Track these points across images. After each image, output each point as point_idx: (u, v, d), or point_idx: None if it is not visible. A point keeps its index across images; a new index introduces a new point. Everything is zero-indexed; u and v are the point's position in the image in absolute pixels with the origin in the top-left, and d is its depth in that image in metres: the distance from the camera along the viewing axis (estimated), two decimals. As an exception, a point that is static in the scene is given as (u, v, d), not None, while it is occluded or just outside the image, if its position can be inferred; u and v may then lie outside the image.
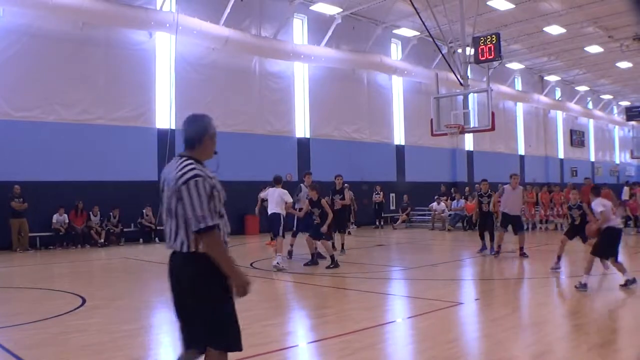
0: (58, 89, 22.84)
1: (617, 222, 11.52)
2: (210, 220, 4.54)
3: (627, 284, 11.23)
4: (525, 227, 28.40)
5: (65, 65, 23.05)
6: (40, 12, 21.95)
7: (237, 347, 4.83)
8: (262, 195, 17.54)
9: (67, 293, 11.61)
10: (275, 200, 15.50)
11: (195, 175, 4.62)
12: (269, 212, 15.72)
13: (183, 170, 4.61)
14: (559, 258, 13.92)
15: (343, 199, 17.87)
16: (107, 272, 16.48)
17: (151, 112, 25.50)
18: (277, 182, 15.87)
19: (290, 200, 15.69)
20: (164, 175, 4.80)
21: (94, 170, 23.26)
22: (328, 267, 14.91)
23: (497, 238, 17.18)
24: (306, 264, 15.56)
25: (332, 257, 15.14)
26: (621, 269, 11.49)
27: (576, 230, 13.92)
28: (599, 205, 11.35)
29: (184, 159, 4.76)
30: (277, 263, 14.82)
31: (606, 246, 11.45)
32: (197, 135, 4.90)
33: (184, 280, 4.71)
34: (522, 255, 16.82)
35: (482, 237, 17.76)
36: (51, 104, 22.68)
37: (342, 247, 17.96)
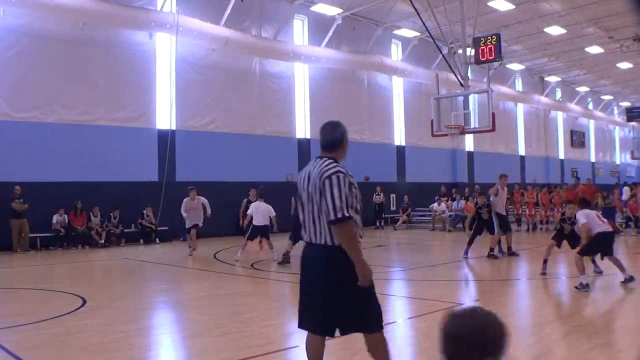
0: (58, 89, 22.83)
1: (604, 227, 11.60)
2: (346, 211, 4.96)
3: (625, 282, 11.42)
4: (527, 227, 28.57)
5: (66, 65, 23.05)
6: (41, 13, 21.96)
7: (382, 327, 5.33)
8: (248, 212, 17.71)
9: (68, 294, 11.61)
10: (262, 213, 17.07)
11: (338, 172, 5.13)
12: (257, 224, 17.04)
13: (327, 167, 5.16)
14: (545, 262, 13.86)
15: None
16: (108, 273, 16.49)
17: (151, 113, 25.49)
18: (261, 196, 17.52)
19: (274, 214, 17.27)
20: (304, 174, 5.39)
21: (95, 170, 23.26)
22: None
23: (506, 239, 17.25)
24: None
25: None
26: (619, 265, 11.75)
27: (564, 237, 13.88)
28: (582, 216, 11.54)
29: (325, 159, 5.32)
30: (278, 257, 16.43)
31: (593, 247, 11.71)
32: (338, 139, 5.51)
33: (325, 268, 5.12)
34: (512, 254, 16.95)
35: (471, 243, 17.54)
36: (51, 104, 22.68)
37: None
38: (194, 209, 19.09)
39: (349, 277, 5.00)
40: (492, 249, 16.90)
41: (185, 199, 19.18)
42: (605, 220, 12.19)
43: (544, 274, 13.51)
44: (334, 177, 5.04)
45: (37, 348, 7.57)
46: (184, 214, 18.95)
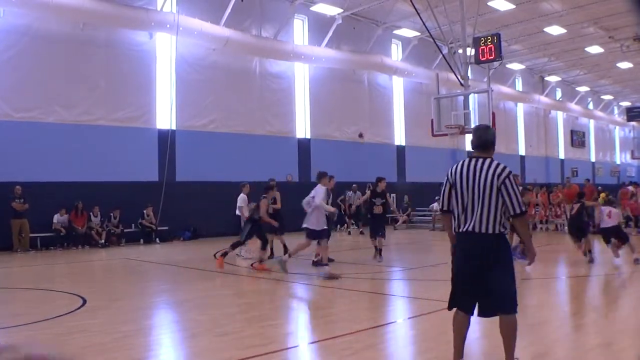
0: (58, 89, 22.83)
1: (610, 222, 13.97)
2: (523, 206, 5.87)
3: (637, 262, 13.56)
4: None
5: (66, 66, 23.06)
6: (41, 13, 21.95)
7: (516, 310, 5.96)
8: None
9: (68, 294, 11.61)
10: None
11: (510, 171, 5.91)
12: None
13: (501, 168, 5.89)
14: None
15: (384, 202, 16.93)
16: (108, 273, 16.50)
17: (152, 113, 25.50)
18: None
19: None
20: (464, 170, 6.00)
21: (95, 170, 23.26)
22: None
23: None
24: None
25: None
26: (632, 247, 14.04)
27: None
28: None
29: (488, 159, 6.00)
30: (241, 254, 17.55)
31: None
32: (492, 140, 6.19)
33: (496, 255, 5.86)
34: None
35: None
36: (51, 104, 22.69)
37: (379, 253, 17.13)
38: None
39: (510, 260, 5.99)
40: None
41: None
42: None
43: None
44: (512, 177, 5.84)
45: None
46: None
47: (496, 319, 6.00)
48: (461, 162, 6.12)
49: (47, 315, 9.37)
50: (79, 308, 10.12)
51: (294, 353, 7.56)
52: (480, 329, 6.44)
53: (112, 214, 23.49)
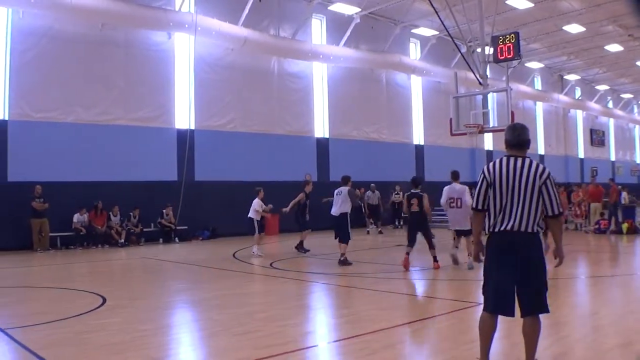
0: (77, 90, 22.97)
1: None
2: (561, 207, 5.99)
3: None
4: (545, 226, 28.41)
5: (85, 66, 23.20)
6: (60, 14, 22.08)
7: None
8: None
9: (88, 292, 11.68)
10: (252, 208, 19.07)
11: (550, 173, 6.00)
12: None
13: (542, 168, 5.97)
14: None
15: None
16: (127, 272, 16.57)
17: (170, 113, 25.61)
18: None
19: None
20: (503, 169, 6.00)
21: (114, 170, 23.39)
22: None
23: None
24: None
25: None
26: None
27: None
28: None
29: (527, 159, 6.02)
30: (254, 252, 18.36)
31: None
32: (528, 140, 6.14)
33: (533, 254, 5.93)
34: None
35: None
36: (71, 104, 22.82)
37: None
38: None
39: (544, 260, 6.04)
40: None
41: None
42: None
43: None
44: (551, 178, 5.95)
45: (57, 346, 7.61)
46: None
47: (519, 319, 5.97)
48: (498, 160, 6.09)
49: (67, 314, 9.42)
50: (98, 307, 10.17)
51: (312, 353, 7.56)
52: (500, 329, 6.40)
53: (131, 214, 23.61)
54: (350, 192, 16.41)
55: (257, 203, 19.08)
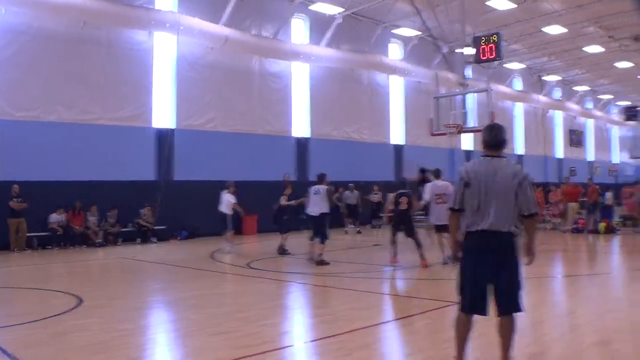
0: (58, 88, 22.80)
1: None
2: (537, 207, 6.09)
3: None
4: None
5: (65, 64, 23.03)
6: (41, 12, 21.91)
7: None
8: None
9: (65, 293, 11.61)
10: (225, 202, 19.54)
11: (527, 173, 6.06)
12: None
13: (519, 168, 6.09)
14: None
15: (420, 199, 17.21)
16: (105, 272, 16.53)
17: (150, 112, 25.46)
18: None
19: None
20: (482, 170, 6.03)
21: (93, 170, 23.21)
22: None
23: None
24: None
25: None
26: None
27: None
28: None
29: (504, 159, 6.10)
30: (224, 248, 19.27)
31: None
32: (506, 140, 6.21)
33: (509, 254, 5.98)
34: None
35: None
36: (51, 103, 22.65)
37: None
38: None
39: (519, 259, 6.08)
40: None
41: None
42: None
43: None
44: (528, 178, 6.00)
45: (34, 347, 7.59)
46: None
47: (495, 318, 6.02)
48: (476, 161, 6.16)
49: (44, 315, 9.38)
50: (76, 307, 10.13)
51: (289, 352, 7.58)
52: (476, 328, 6.43)
53: (109, 213, 23.45)
54: (329, 190, 16.55)
55: (229, 196, 19.44)
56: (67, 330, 8.48)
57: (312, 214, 16.29)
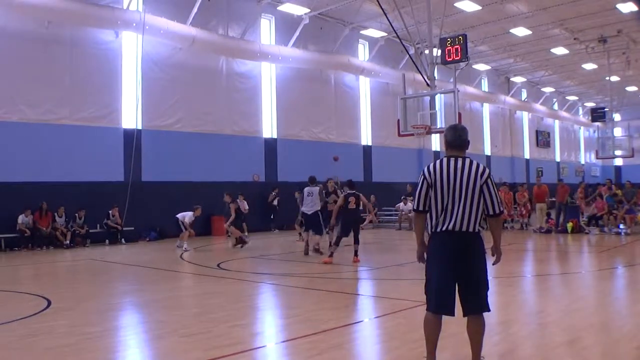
0: (23, 88, 22.56)
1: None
2: (501, 206, 6.14)
3: None
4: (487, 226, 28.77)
5: (30, 64, 22.80)
6: (5, 11, 21.71)
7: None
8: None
9: (33, 295, 11.48)
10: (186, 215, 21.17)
11: (490, 172, 6.10)
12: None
13: (482, 168, 6.04)
14: None
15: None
16: (73, 274, 16.36)
17: (117, 112, 25.31)
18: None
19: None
20: (444, 169, 6.04)
21: (60, 170, 23.03)
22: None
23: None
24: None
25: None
26: None
27: None
28: None
29: (467, 159, 6.10)
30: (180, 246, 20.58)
31: None
32: (468, 140, 6.27)
33: (474, 254, 5.98)
34: None
35: None
36: (16, 103, 22.41)
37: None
38: None
39: (485, 259, 6.09)
40: None
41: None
42: None
43: None
44: (491, 178, 6.04)
45: (2, 350, 7.47)
46: None
47: (457, 317, 6.05)
48: (439, 161, 6.12)
49: (11, 317, 9.26)
50: (43, 310, 10.01)
51: (261, 353, 7.54)
52: (446, 328, 6.46)
53: (77, 215, 23.25)
54: (321, 192, 18.67)
55: (189, 215, 21.00)
56: (35, 333, 8.37)
57: (308, 212, 18.47)
